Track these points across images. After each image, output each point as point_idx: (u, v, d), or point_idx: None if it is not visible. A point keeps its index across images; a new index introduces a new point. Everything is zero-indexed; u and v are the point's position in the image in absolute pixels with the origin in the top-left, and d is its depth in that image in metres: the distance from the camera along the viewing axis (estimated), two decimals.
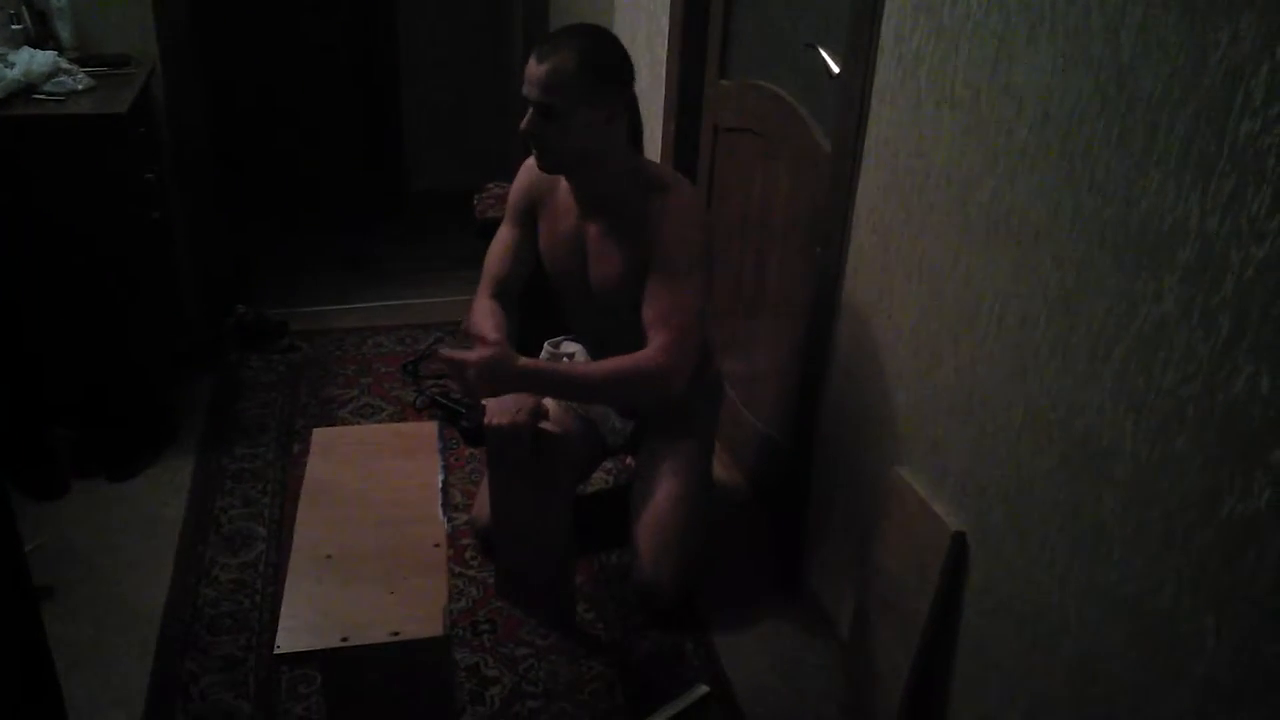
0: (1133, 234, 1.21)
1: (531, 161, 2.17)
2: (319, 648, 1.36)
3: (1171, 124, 1.14)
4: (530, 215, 2.19)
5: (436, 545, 1.54)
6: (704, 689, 2.00)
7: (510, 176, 3.67)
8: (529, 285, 2.42)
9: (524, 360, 1.89)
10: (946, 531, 1.63)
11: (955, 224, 1.60)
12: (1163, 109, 1.16)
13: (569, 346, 3.09)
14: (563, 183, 2.10)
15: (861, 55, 1.85)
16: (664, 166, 2.09)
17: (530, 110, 1.92)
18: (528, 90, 1.92)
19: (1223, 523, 1.10)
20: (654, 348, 1.91)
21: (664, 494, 2.18)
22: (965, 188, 1.57)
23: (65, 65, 2.55)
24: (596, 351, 2.32)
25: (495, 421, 2.00)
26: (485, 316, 2.11)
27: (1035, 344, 1.41)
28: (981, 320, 1.54)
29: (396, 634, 1.37)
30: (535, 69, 1.89)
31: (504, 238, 2.23)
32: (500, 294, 2.18)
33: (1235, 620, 1.09)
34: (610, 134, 1.97)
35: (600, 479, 2.64)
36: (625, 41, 2.77)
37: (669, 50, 2.93)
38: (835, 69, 2.04)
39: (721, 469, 2.63)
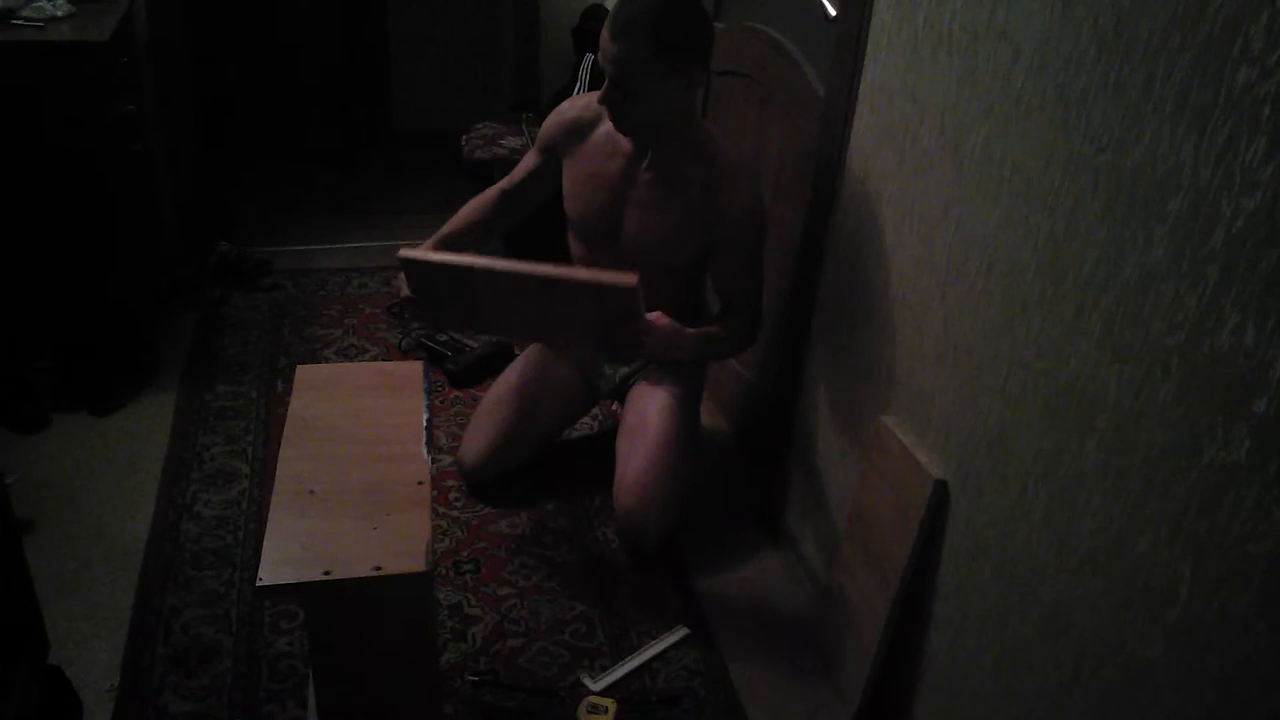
0: (1125, 183, 1.21)
1: (577, 100, 2.18)
2: (301, 580, 1.36)
3: (1168, 72, 1.13)
4: (554, 151, 2.18)
5: (420, 482, 1.54)
6: (684, 630, 2.03)
7: (500, 117, 3.63)
8: (515, 231, 2.40)
9: (690, 329, 1.99)
10: (928, 479, 1.64)
11: (948, 171, 1.59)
12: (1160, 56, 1.14)
13: None
14: (608, 123, 2.05)
15: None
16: (723, 142, 2.10)
17: (607, 82, 1.89)
18: (603, 62, 1.88)
19: (1202, 472, 1.11)
20: (746, 321, 2.12)
21: (651, 438, 2.19)
22: (959, 134, 1.55)
23: None
24: None
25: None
26: (471, 209, 2.28)
27: (1024, 293, 1.41)
28: (971, 269, 1.54)
29: (379, 568, 1.37)
30: (609, 45, 1.84)
31: (527, 163, 2.27)
32: (506, 192, 2.28)
33: (1210, 568, 1.10)
34: (688, 99, 1.97)
35: (586, 424, 2.65)
36: None
37: None
38: (832, 11, 2.01)
39: (706, 414, 2.64)
